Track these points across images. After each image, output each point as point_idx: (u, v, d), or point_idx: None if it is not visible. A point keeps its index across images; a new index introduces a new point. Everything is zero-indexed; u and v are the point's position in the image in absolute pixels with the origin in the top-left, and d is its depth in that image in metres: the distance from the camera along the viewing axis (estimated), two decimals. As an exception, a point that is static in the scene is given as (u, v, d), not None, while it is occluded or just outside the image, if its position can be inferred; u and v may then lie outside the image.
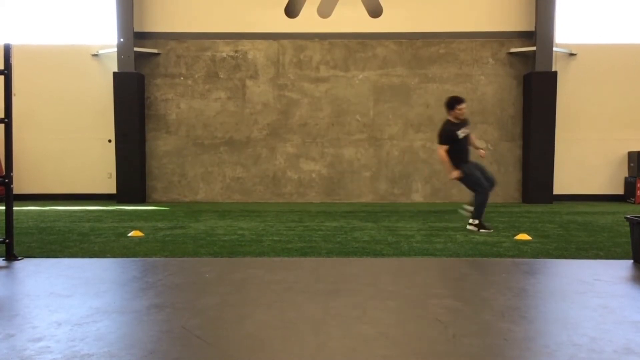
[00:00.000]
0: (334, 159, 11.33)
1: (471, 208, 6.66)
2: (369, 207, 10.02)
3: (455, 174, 6.51)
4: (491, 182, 6.63)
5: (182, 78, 11.34)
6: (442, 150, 6.57)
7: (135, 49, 10.96)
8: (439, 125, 11.11)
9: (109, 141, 11.33)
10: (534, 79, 10.79)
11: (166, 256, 4.91)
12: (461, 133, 6.54)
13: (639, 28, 11.38)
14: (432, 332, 2.77)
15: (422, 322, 2.96)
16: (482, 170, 6.66)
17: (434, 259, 4.79)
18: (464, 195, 11.27)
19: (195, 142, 11.37)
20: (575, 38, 11.33)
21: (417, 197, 11.31)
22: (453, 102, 6.59)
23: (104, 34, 11.39)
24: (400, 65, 11.26)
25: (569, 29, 11.36)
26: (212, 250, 5.19)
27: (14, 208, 4.94)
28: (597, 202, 10.98)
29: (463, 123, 6.64)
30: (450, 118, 6.63)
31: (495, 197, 11.28)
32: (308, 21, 11.16)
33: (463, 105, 6.59)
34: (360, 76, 11.28)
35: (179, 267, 4.39)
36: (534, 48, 10.85)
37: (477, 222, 6.51)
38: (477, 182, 6.50)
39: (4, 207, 5.01)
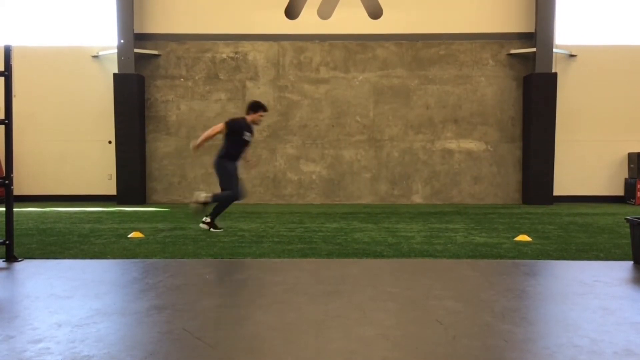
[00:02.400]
0: (334, 161, 11.33)
1: (204, 195, 6.60)
2: (369, 208, 10.02)
3: (195, 143, 6.50)
4: (241, 194, 6.69)
5: (182, 79, 11.34)
6: (218, 127, 6.48)
7: (136, 50, 10.97)
8: (439, 126, 11.27)
9: (109, 142, 11.33)
10: (534, 81, 10.79)
11: (166, 257, 4.90)
12: (247, 135, 6.61)
13: (639, 29, 11.39)
14: (433, 333, 2.77)
15: (422, 323, 2.95)
16: (237, 180, 6.70)
17: (434, 260, 4.79)
18: (464, 196, 11.29)
19: (195, 144, 11.36)
20: (575, 39, 11.34)
21: (417, 199, 11.31)
22: (258, 107, 6.66)
23: (104, 36, 11.40)
24: (400, 66, 11.27)
25: (569, 30, 11.38)
26: (212, 252, 5.18)
27: (14, 209, 4.94)
28: (597, 204, 10.99)
29: (252, 129, 6.71)
30: (248, 118, 6.65)
31: (495, 198, 11.31)
32: (308, 23, 11.20)
33: (263, 114, 6.71)
34: (361, 77, 11.29)
35: (179, 269, 4.39)
36: (534, 49, 10.86)
37: (209, 220, 6.55)
38: (233, 184, 6.53)
39: (4, 209, 5.01)
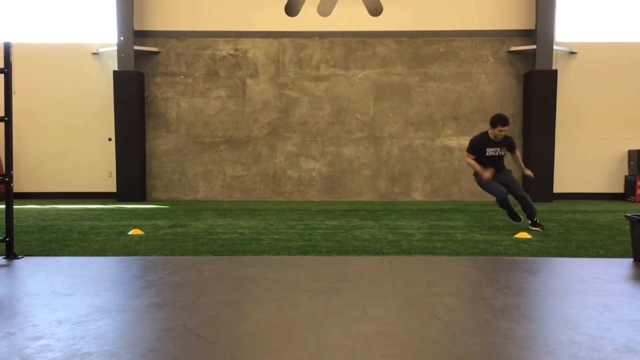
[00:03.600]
0: (334, 158, 11.33)
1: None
2: (369, 205, 10.02)
3: (488, 173, 6.53)
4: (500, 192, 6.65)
5: (182, 76, 11.33)
6: (467, 159, 6.72)
7: (136, 47, 10.96)
8: (439, 123, 11.27)
9: (109, 140, 11.33)
10: (534, 78, 10.77)
11: (166, 255, 4.91)
12: (491, 151, 6.59)
13: (639, 26, 11.37)
14: (432, 330, 2.77)
15: (422, 320, 2.96)
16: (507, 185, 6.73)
17: (434, 258, 4.79)
18: (464, 193, 11.29)
19: (195, 141, 11.36)
20: (576, 36, 11.32)
21: (417, 196, 11.30)
22: (495, 122, 6.56)
23: (104, 33, 11.38)
24: (400, 63, 11.25)
25: (569, 27, 11.35)
26: (212, 249, 5.19)
27: (14, 207, 4.94)
28: (597, 201, 10.98)
29: (499, 143, 6.61)
30: (490, 134, 6.64)
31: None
32: (308, 20, 11.17)
33: (502, 128, 6.53)
34: (361, 75, 11.28)
35: (179, 266, 4.39)
36: (534, 46, 10.84)
37: (533, 221, 6.65)
38: (494, 190, 6.59)
39: (4, 206, 5.01)
